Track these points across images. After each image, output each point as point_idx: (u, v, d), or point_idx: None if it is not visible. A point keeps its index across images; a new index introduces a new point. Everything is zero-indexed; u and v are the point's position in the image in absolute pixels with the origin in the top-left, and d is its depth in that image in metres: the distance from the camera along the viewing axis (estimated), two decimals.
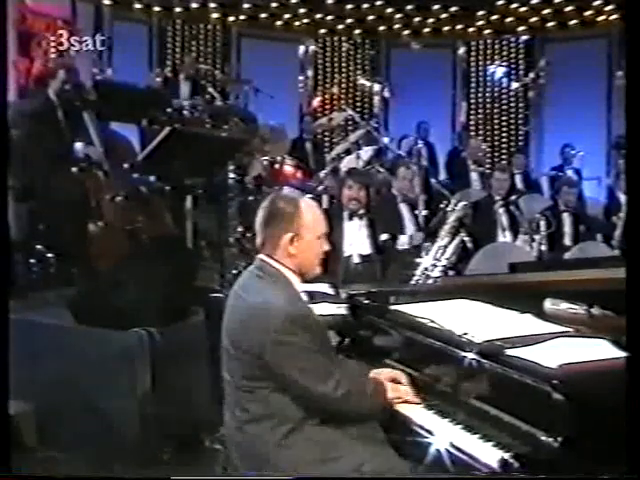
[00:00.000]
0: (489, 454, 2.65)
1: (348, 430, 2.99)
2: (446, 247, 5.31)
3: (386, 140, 9.43)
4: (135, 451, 4.67)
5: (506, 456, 2.58)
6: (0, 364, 3.07)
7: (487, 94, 12.30)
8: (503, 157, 11.88)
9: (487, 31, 12.23)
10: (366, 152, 8.53)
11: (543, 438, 2.54)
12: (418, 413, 3.07)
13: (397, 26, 12.21)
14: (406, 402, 3.13)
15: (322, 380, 2.91)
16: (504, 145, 12.23)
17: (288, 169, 8.34)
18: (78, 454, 4.61)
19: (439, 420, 2.98)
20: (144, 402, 4.70)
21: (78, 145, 6.47)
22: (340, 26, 12.21)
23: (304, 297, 3.17)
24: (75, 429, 4.78)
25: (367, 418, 3.06)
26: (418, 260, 5.38)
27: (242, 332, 2.95)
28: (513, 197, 7.73)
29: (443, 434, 2.85)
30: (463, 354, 2.97)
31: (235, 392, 3.00)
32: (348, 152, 8.61)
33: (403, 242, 6.53)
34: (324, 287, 4.35)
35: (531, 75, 11.97)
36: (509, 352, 2.84)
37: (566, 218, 7.78)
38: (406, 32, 12.22)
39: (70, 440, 4.74)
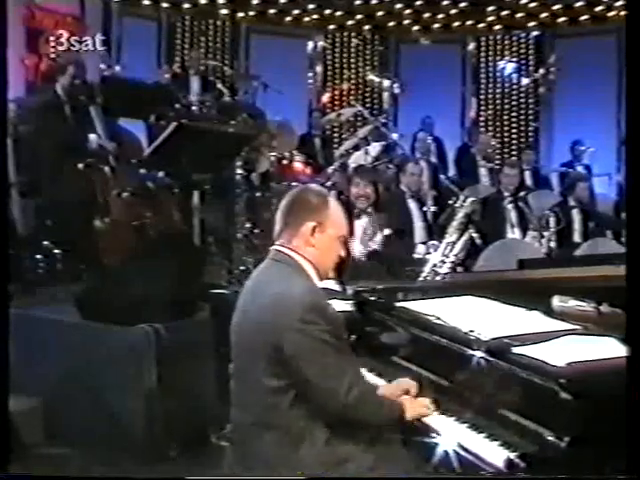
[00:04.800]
0: (495, 454, 2.62)
1: (359, 436, 2.86)
2: (454, 243, 5.27)
3: (395, 136, 9.38)
4: (141, 447, 4.67)
5: (512, 456, 2.56)
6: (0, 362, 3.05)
7: (497, 90, 12.23)
8: (513, 153, 11.82)
9: (497, 27, 12.15)
10: (375, 148, 8.49)
11: (550, 437, 2.51)
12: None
13: (407, 22, 12.14)
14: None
15: (336, 378, 2.79)
16: (514, 141, 12.15)
17: (296, 165, 8.31)
18: (84, 450, 4.61)
19: (445, 419, 2.95)
20: (150, 398, 4.69)
21: (92, 137, 6.46)
22: (349, 22, 12.16)
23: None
24: (81, 425, 4.78)
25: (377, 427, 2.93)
26: (426, 256, 5.36)
27: (262, 322, 2.81)
28: (522, 193, 7.68)
29: (449, 433, 2.83)
30: (470, 352, 2.95)
31: (246, 392, 2.90)
32: (357, 148, 8.58)
33: (420, 251, 6.48)
34: (330, 283, 4.33)
35: (541, 71, 11.91)
36: (516, 350, 2.81)
37: (576, 215, 7.74)
38: (416, 28, 12.16)
39: (76, 436, 4.74)
